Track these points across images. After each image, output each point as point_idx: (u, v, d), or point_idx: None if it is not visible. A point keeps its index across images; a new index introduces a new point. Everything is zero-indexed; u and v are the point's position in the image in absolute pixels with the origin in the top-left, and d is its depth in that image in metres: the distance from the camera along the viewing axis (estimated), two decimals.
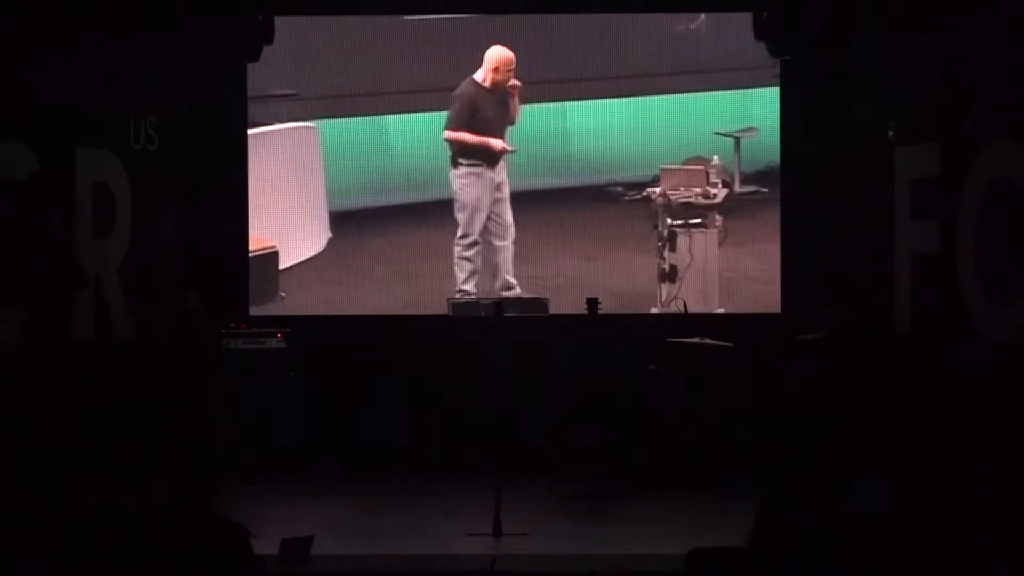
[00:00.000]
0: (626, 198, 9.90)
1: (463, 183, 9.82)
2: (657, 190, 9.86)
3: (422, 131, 9.90)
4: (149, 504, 5.39)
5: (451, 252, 9.88)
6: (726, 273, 9.82)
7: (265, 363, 9.09)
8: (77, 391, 7.76)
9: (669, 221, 9.85)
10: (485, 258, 9.88)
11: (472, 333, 8.98)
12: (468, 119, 9.78)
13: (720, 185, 9.83)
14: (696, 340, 8.76)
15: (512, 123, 9.85)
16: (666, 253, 9.85)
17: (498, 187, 9.85)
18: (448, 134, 9.80)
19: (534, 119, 9.88)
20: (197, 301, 8.66)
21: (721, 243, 9.84)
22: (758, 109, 9.87)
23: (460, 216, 9.84)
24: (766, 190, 9.87)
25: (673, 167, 9.89)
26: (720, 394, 8.63)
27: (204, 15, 9.25)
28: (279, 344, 9.18)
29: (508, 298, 9.43)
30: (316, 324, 9.72)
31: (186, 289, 8.77)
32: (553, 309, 9.52)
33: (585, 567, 6.67)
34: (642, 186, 9.88)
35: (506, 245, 9.88)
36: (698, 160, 9.89)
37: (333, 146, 9.99)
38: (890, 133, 8.73)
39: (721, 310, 9.67)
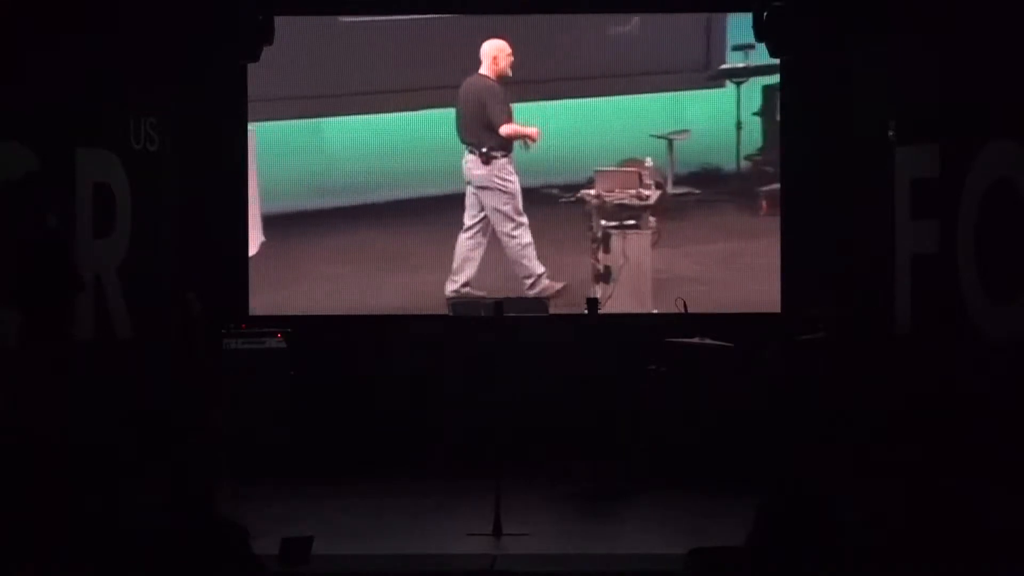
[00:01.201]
0: (561, 200, 9.95)
1: (508, 175, 9.85)
2: (591, 192, 9.92)
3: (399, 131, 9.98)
4: (149, 504, 5.40)
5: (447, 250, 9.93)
6: (659, 274, 9.85)
7: (265, 363, 9.09)
8: (77, 391, 7.76)
9: (603, 222, 9.91)
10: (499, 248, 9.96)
11: (472, 333, 8.98)
12: (507, 109, 9.84)
13: (653, 187, 9.91)
14: (696, 340, 8.76)
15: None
16: (600, 254, 9.91)
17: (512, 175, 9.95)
18: (504, 130, 9.81)
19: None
20: (197, 301, 8.65)
21: (654, 244, 9.91)
22: (691, 112, 9.93)
23: (508, 207, 9.88)
24: (699, 191, 9.93)
25: (607, 169, 9.95)
26: (720, 394, 8.62)
27: (204, 15, 9.25)
28: (279, 344, 9.18)
29: (508, 298, 9.43)
30: (316, 324, 9.72)
31: (186, 289, 8.76)
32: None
33: (585, 567, 6.68)
34: (576, 188, 9.94)
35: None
36: (632, 162, 9.95)
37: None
38: (890, 133, 8.73)
39: (655, 310, 9.71)
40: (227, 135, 9.88)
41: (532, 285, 9.83)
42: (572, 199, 9.93)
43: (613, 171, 9.93)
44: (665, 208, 9.91)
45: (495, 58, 9.83)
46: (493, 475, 7.21)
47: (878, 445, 8.00)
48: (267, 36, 9.49)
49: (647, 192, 9.88)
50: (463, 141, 9.89)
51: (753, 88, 9.90)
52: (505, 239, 9.88)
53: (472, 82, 9.86)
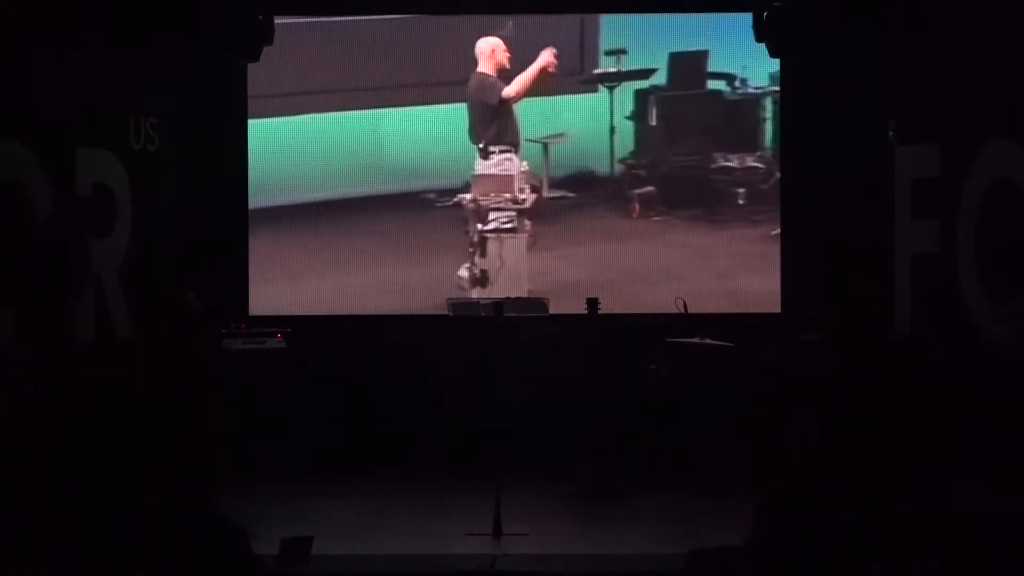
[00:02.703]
0: (437, 204, 9.97)
1: (501, 169, 9.91)
2: (467, 196, 9.93)
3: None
4: (149, 504, 5.40)
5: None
6: (536, 277, 9.87)
7: (265, 363, 9.09)
8: (77, 392, 7.76)
9: (479, 226, 9.93)
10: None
11: (472, 333, 8.98)
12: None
13: (529, 190, 9.93)
14: (696, 340, 8.76)
15: (504, 95, 9.95)
16: (476, 258, 9.94)
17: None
18: (508, 90, 9.82)
19: (345, 127, 9.98)
20: (197, 301, 8.66)
21: (530, 247, 9.93)
22: (566, 116, 9.95)
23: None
24: (574, 195, 9.95)
25: (484, 173, 9.96)
26: (720, 394, 8.62)
27: (204, 15, 9.25)
28: (279, 344, 9.18)
29: (508, 298, 9.43)
30: (316, 324, 9.72)
31: (186, 289, 8.77)
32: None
33: (585, 567, 6.68)
34: (453, 192, 9.95)
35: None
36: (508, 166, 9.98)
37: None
38: (890, 133, 8.73)
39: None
40: (227, 135, 9.88)
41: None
42: (448, 203, 9.96)
43: (489, 175, 9.96)
44: (541, 211, 9.96)
45: (492, 51, 9.85)
46: (493, 475, 7.21)
47: (878, 445, 8.00)
48: (267, 36, 9.50)
49: (523, 196, 9.92)
50: (472, 142, 9.93)
51: (626, 92, 9.93)
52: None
53: (471, 82, 9.88)
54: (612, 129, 9.94)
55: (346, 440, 9.21)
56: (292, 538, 6.54)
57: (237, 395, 8.79)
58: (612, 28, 9.94)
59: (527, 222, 9.94)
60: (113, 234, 8.63)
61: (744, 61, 9.86)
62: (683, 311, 8.87)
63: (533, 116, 9.95)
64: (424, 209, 9.95)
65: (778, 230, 9.84)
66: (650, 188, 9.95)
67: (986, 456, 7.16)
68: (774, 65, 9.76)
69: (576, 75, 9.96)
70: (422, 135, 9.99)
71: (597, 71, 9.95)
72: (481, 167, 9.92)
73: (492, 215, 9.93)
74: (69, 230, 7.86)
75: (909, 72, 8.52)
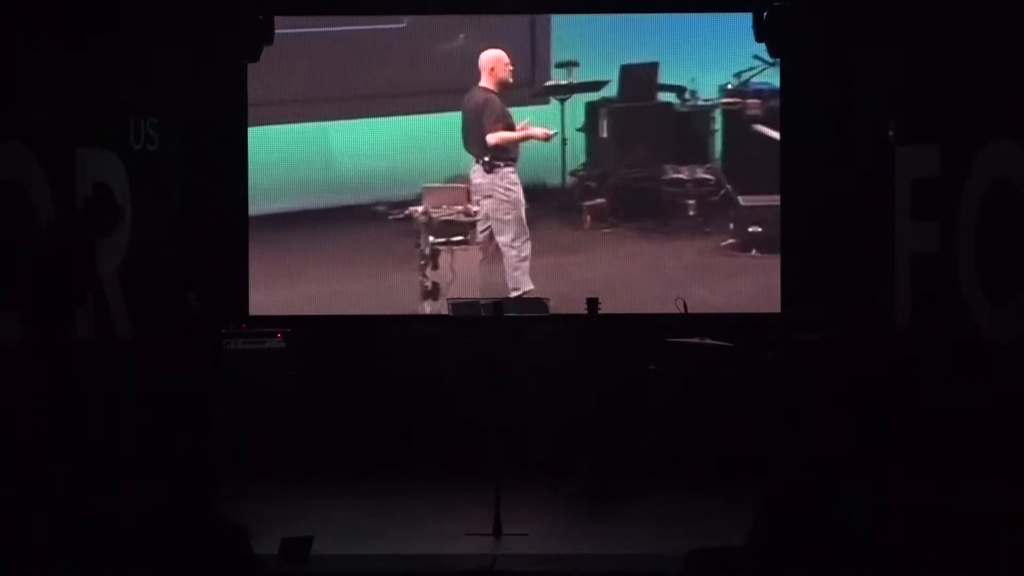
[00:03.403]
0: (389, 217, 9.99)
1: (507, 184, 9.87)
2: (419, 208, 9.95)
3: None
4: (149, 504, 5.39)
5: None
6: (489, 288, 9.86)
7: (265, 363, 9.10)
8: (77, 392, 7.76)
9: (431, 239, 9.95)
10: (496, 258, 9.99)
11: (472, 333, 8.98)
12: (504, 120, 9.87)
13: (481, 202, 9.93)
14: (696, 340, 8.76)
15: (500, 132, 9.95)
16: (428, 271, 9.95)
17: (516, 186, 9.95)
18: (491, 139, 9.84)
19: (295, 139, 10.02)
20: (197, 301, 8.66)
21: (482, 259, 9.95)
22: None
23: (509, 216, 9.88)
24: (526, 206, 9.95)
25: (435, 186, 9.99)
26: (720, 394, 8.63)
27: (204, 15, 9.25)
28: (279, 344, 9.19)
29: (508, 298, 9.45)
30: (316, 324, 9.72)
31: (186, 289, 8.77)
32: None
33: (585, 567, 6.67)
34: (405, 205, 9.97)
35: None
36: (460, 179, 9.99)
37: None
38: (890, 133, 8.73)
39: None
40: (227, 135, 9.88)
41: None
42: (400, 216, 9.97)
43: (441, 188, 9.99)
44: None
45: (492, 69, 9.85)
46: (493, 475, 7.21)
47: (878, 445, 8.00)
48: (267, 36, 9.50)
49: (475, 208, 9.94)
50: (467, 151, 9.91)
51: (577, 104, 9.97)
52: (504, 249, 9.89)
53: (470, 95, 9.88)
54: (563, 141, 9.96)
55: (346, 440, 9.22)
56: (292, 538, 6.54)
57: (237, 395, 8.79)
58: (563, 40, 9.95)
59: (479, 234, 9.96)
60: (113, 234, 8.63)
61: (693, 72, 9.94)
62: (683, 311, 8.87)
63: None
64: (375, 221, 9.97)
65: (729, 241, 9.90)
66: (601, 200, 10.00)
67: (986, 456, 7.16)
68: (725, 76, 9.87)
69: (527, 87, 9.98)
70: (370, 146, 10.00)
71: (548, 83, 9.96)
72: (477, 175, 9.90)
73: (443, 228, 9.94)
74: (75, 233, 7.87)
75: (909, 72, 8.52)
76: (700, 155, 10.01)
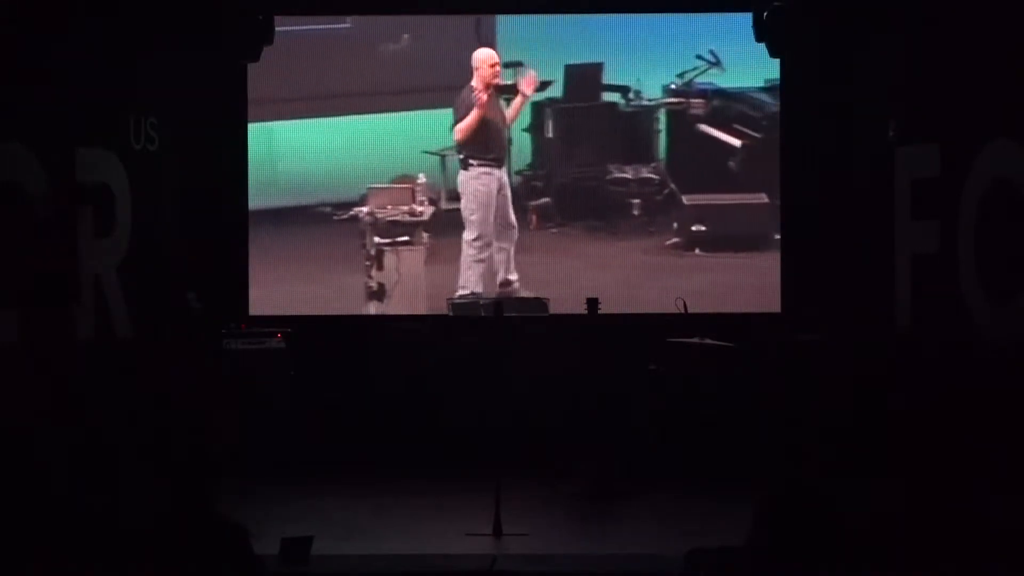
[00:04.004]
0: (334, 218, 10.00)
1: (476, 184, 9.86)
2: (364, 209, 9.96)
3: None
4: (150, 505, 5.39)
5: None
6: (434, 289, 9.91)
7: (265, 363, 9.10)
8: (77, 392, 7.76)
9: (376, 240, 9.96)
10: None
11: (472, 333, 8.98)
12: (472, 132, 9.86)
13: (427, 203, 9.98)
14: (696, 340, 8.76)
15: (507, 122, 9.93)
16: (373, 272, 9.96)
17: (502, 187, 9.90)
18: (456, 134, 9.86)
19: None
20: (197, 301, 8.66)
21: (428, 260, 9.98)
22: None
23: (473, 218, 9.87)
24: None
25: (380, 186, 10.01)
26: (720, 394, 8.62)
27: (204, 15, 9.25)
28: (279, 344, 9.19)
29: (508, 298, 9.45)
30: (316, 324, 9.72)
31: (186, 289, 8.77)
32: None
33: (585, 567, 6.67)
34: (349, 206, 9.98)
35: (509, 246, 9.92)
36: (405, 179, 10.01)
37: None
38: (890, 133, 8.73)
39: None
40: (227, 135, 9.88)
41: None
42: (345, 217, 9.98)
43: (386, 188, 10.01)
44: (438, 224, 9.99)
45: (477, 67, 9.88)
46: (493, 475, 7.21)
47: (878, 445, 8.00)
48: (267, 36, 9.50)
49: (420, 208, 9.97)
50: (456, 151, 9.98)
51: (524, 105, 9.96)
52: (464, 246, 9.91)
53: (464, 93, 9.90)
54: (509, 141, 9.98)
55: (346, 440, 9.21)
56: (292, 538, 6.54)
57: (237, 395, 8.79)
58: (509, 40, 9.96)
59: (425, 234, 9.96)
60: (113, 234, 8.64)
61: (638, 73, 9.97)
62: (683, 311, 8.87)
63: (431, 129, 9.97)
64: (319, 222, 9.98)
65: (674, 240, 9.95)
66: (547, 199, 10.02)
67: (986, 456, 7.16)
68: (669, 76, 9.93)
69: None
70: (314, 147, 10.00)
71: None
72: (461, 172, 9.91)
73: (388, 228, 9.95)
74: (65, 228, 7.87)
75: (909, 72, 8.51)
76: (644, 155, 10.07)
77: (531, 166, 10.05)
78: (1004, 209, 7.40)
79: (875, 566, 4.82)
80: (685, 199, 9.97)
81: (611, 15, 9.96)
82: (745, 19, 9.56)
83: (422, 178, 10.00)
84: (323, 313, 9.83)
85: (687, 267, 9.91)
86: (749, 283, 9.85)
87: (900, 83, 8.64)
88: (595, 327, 8.55)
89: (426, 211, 9.97)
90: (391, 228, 9.97)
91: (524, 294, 9.80)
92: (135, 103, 8.90)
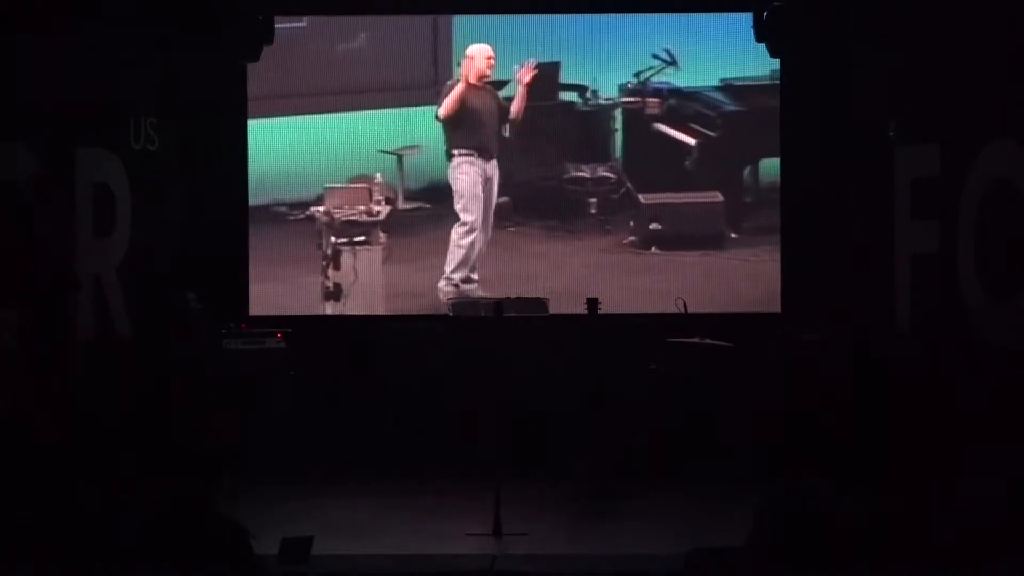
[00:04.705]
0: (290, 218, 9.98)
1: (459, 172, 9.87)
2: (321, 209, 9.94)
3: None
4: (150, 504, 5.40)
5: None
6: (391, 289, 9.90)
7: (265, 363, 9.09)
8: (77, 391, 7.76)
9: (333, 239, 9.93)
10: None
11: (472, 333, 8.98)
12: (456, 108, 9.84)
13: (384, 202, 9.95)
14: (696, 340, 8.76)
15: (510, 117, 9.93)
16: (330, 272, 9.93)
17: (488, 180, 9.91)
18: (440, 110, 9.86)
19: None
20: (197, 301, 8.66)
21: (385, 260, 9.95)
22: (420, 127, 9.98)
23: (457, 205, 9.89)
24: (429, 206, 9.99)
25: (337, 186, 9.98)
26: (720, 394, 8.62)
27: (204, 15, 9.25)
28: (279, 344, 9.18)
29: (508, 298, 9.44)
30: (316, 324, 9.72)
31: (186, 289, 8.77)
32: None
33: (585, 567, 6.68)
34: (306, 205, 9.96)
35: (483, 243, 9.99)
36: (362, 178, 9.98)
37: None
38: (890, 133, 8.73)
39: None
40: (227, 135, 9.88)
41: (456, 286, 9.86)
42: (301, 216, 9.96)
43: (343, 188, 9.98)
44: (396, 223, 9.98)
45: (472, 58, 9.85)
46: (493, 475, 7.21)
47: (878, 445, 8.00)
48: (267, 36, 9.50)
49: (377, 208, 9.94)
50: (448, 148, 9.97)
51: None
52: (452, 233, 9.91)
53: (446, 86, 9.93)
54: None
55: (346, 440, 9.21)
56: (292, 538, 6.53)
57: (237, 395, 8.79)
58: (465, 40, 9.94)
59: (382, 234, 9.96)
60: (113, 234, 8.64)
61: (594, 72, 9.97)
62: (683, 311, 8.87)
63: (387, 128, 9.96)
64: (276, 222, 9.95)
65: (631, 238, 9.97)
66: (505, 198, 10.01)
67: (986, 456, 7.16)
68: (625, 75, 9.93)
69: (430, 87, 9.98)
70: (270, 146, 9.96)
71: (450, 82, 9.94)
72: (449, 167, 9.92)
73: (345, 228, 9.93)
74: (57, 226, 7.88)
75: (909, 72, 8.52)
76: (601, 154, 10.07)
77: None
78: (1004, 209, 7.40)
79: (874, 566, 4.83)
80: (642, 198, 9.99)
81: (568, 15, 9.95)
82: (742, 19, 9.55)
83: (379, 177, 9.98)
84: (280, 313, 9.80)
85: (644, 265, 9.94)
86: (740, 282, 9.87)
87: (900, 83, 8.64)
88: (595, 327, 8.54)
89: (383, 211, 9.95)
90: (348, 228, 9.95)
91: (481, 293, 9.78)
92: (135, 103, 8.90)
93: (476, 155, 9.89)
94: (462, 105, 9.84)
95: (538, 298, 9.58)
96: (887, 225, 8.64)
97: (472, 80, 9.85)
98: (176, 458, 7.78)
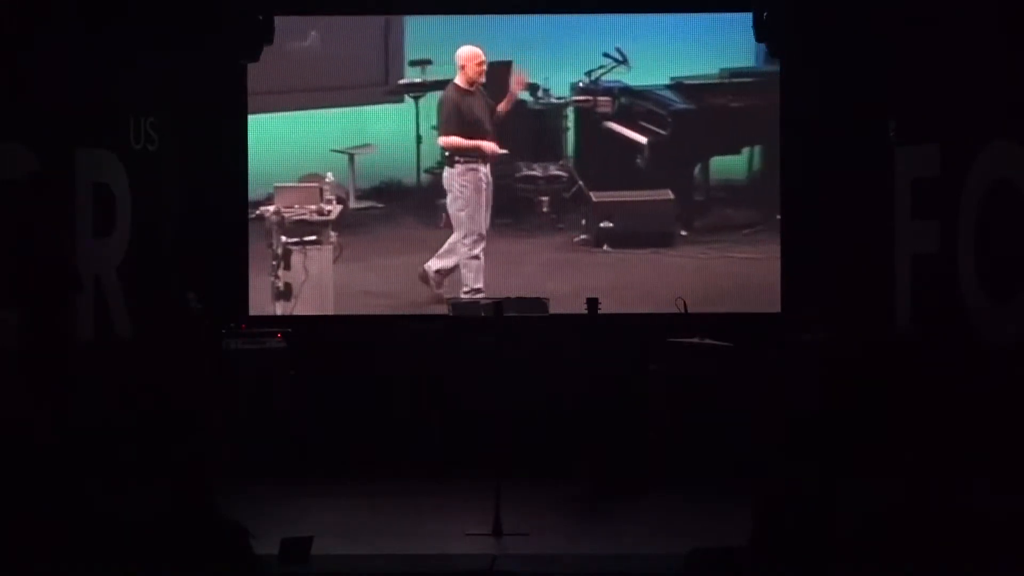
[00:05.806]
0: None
1: (463, 181, 9.87)
2: (271, 208, 9.93)
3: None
4: (150, 505, 5.41)
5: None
6: (343, 288, 9.90)
7: (265, 363, 9.10)
8: (77, 392, 7.76)
9: (283, 239, 9.93)
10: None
11: (472, 333, 8.98)
12: (455, 121, 9.88)
13: (335, 202, 9.95)
14: (696, 340, 8.76)
15: (499, 113, 9.94)
16: (280, 271, 9.93)
17: (489, 185, 9.95)
18: (442, 140, 9.92)
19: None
20: (197, 301, 8.66)
21: (336, 259, 9.94)
22: (372, 126, 10.00)
23: (462, 215, 9.88)
24: (381, 205, 10.00)
25: (287, 185, 9.97)
26: (720, 394, 8.62)
27: (204, 15, 9.25)
28: (279, 344, 9.19)
29: (508, 298, 9.43)
30: (316, 324, 9.72)
31: (186, 289, 8.77)
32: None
33: (585, 567, 6.67)
34: (256, 205, 9.95)
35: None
36: (312, 177, 9.98)
37: None
38: (890, 133, 8.73)
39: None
40: (227, 135, 9.88)
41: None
42: (251, 216, 9.94)
43: (293, 187, 9.97)
44: (347, 223, 9.98)
45: (463, 65, 9.88)
46: (493, 475, 7.21)
47: (878, 445, 8.00)
48: (267, 36, 9.50)
49: (328, 207, 9.93)
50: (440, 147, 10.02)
51: (431, 102, 9.98)
52: (456, 245, 9.91)
53: (447, 90, 9.92)
54: (418, 139, 9.99)
55: (346, 440, 9.21)
56: (292, 538, 6.54)
57: (237, 395, 8.79)
58: (416, 38, 9.97)
59: (333, 233, 9.95)
60: (113, 234, 8.64)
61: (546, 71, 9.99)
62: (683, 311, 8.87)
63: (339, 127, 9.97)
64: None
65: (582, 236, 9.98)
66: None
67: (986, 456, 7.16)
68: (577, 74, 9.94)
69: (381, 85, 9.99)
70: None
71: (402, 81, 9.97)
72: (445, 169, 9.93)
73: (295, 227, 9.92)
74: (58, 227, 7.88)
75: (909, 72, 8.52)
76: (553, 152, 10.08)
77: (440, 164, 10.03)
78: (1004, 209, 7.41)
79: (874, 565, 4.83)
80: (593, 196, 10.00)
81: (521, 15, 9.97)
82: (742, 18, 9.56)
83: (330, 176, 9.97)
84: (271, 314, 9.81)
85: (595, 263, 9.96)
86: (744, 282, 9.87)
87: (900, 83, 8.64)
88: (595, 327, 8.54)
89: (334, 210, 9.94)
90: (298, 227, 9.94)
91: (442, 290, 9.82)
92: (135, 103, 8.90)
93: (479, 162, 9.89)
94: (459, 115, 9.85)
95: (538, 298, 9.58)
96: (887, 225, 8.64)
97: (465, 86, 9.85)
98: (176, 458, 7.78)
